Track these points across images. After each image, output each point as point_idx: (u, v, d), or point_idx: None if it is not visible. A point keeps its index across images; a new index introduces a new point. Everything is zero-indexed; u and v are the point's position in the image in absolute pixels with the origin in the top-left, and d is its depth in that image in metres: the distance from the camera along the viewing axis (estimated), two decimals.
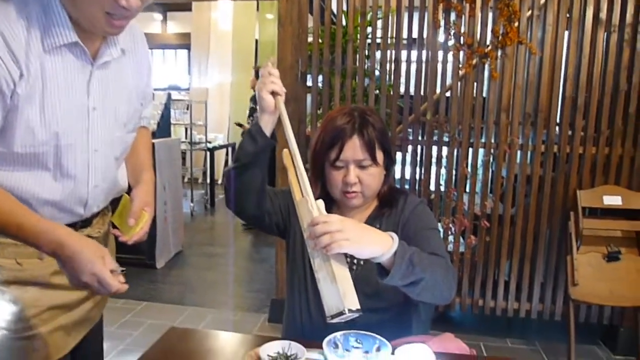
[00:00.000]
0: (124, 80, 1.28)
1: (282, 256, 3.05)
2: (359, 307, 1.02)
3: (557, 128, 2.88)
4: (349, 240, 1.03)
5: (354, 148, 1.31)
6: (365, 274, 1.32)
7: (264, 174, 1.35)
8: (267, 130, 1.29)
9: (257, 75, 5.58)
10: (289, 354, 1.12)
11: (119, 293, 1.10)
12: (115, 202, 1.43)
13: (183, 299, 3.62)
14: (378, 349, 1.10)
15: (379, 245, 1.08)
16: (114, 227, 1.38)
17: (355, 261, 1.37)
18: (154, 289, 3.74)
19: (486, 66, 2.84)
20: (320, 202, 1.12)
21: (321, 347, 1.09)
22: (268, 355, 1.10)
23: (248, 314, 3.39)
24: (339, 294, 1.02)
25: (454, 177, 2.97)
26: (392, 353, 1.10)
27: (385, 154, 1.37)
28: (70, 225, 1.22)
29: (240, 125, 6.23)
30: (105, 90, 1.22)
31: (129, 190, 1.40)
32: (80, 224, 1.28)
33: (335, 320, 1.03)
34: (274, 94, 1.26)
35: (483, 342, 3.04)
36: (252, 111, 5.98)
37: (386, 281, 1.09)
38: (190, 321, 3.23)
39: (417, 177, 3.08)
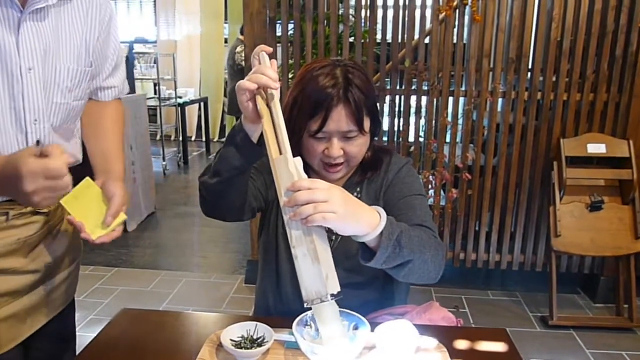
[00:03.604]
0: (67, 33, 1.06)
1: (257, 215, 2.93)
2: (339, 289, 0.90)
3: (540, 74, 2.75)
4: (336, 214, 0.87)
5: (339, 119, 1.10)
6: (345, 246, 1.18)
7: (248, 179, 1.15)
8: (255, 136, 1.03)
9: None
10: (255, 337, 1.00)
11: (68, 163, 0.91)
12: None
13: (156, 262, 3.49)
14: (355, 328, 0.99)
15: (366, 223, 0.93)
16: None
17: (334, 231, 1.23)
18: (125, 253, 3.59)
19: (467, 8, 2.66)
20: (298, 161, 0.94)
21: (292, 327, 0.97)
22: (231, 340, 0.98)
23: (224, 275, 3.28)
24: (321, 276, 0.89)
25: (434, 128, 2.84)
26: (372, 330, 0.98)
27: (372, 120, 1.17)
28: (8, 201, 1.05)
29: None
30: (43, 45, 1.00)
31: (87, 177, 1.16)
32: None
33: (313, 305, 0.91)
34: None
35: (464, 295, 3.01)
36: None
37: (370, 264, 0.95)
38: (163, 286, 3.12)
39: (396, 128, 2.95)
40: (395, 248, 0.94)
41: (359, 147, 1.16)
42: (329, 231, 0.93)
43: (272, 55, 1.01)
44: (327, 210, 0.87)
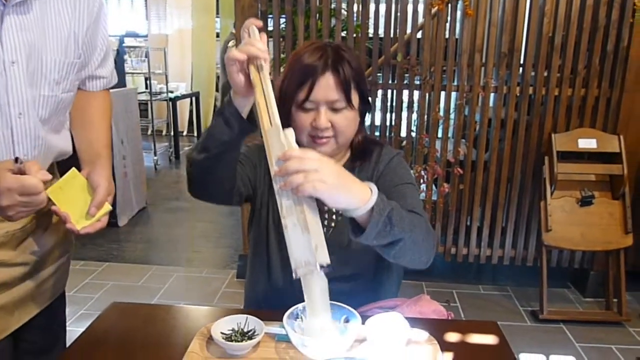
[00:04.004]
0: (54, 25, 1.04)
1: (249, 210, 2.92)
2: (329, 262, 0.89)
3: (532, 69, 2.76)
4: (325, 184, 0.86)
5: (326, 87, 1.11)
6: (337, 238, 1.18)
7: (238, 157, 1.14)
8: (245, 111, 1.02)
9: None
10: (245, 329, 0.99)
11: (45, 180, 0.93)
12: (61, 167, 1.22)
13: (148, 257, 3.48)
14: (346, 321, 0.98)
15: (357, 196, 0.91)
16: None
17: (325, 223, 1.23)
18: (116, 248, 3.57)
19: (459, 3, 2.66)
20: (290, 132, 0.93)
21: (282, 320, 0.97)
22: (222, 333, 0.97)
23: (216, 270, 3.27)
24: (311, 246, 0.88)
25: (426, 123, 2.84)
26: (362, 323, 0.98)
27: (361, 97, 1.18)
28: None
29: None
30: (27, 38, 0.99)
31: (71, 166, 1.16)
32: None
33: (302, 273, 0.90)
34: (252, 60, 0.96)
35: (455, 290, 3.02)
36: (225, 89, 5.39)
37: (360, 240, 0.94)
38: (155, 280, 3.10)
39: (388, 123, 2.95)
40: (386, 225, 0.92)
41: (347, 120, 1.15)
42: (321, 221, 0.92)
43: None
44: (317, 179, 0.86)
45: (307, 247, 0.88)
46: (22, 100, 1.01)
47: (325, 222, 1.22)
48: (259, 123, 0.96)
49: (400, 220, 0.95)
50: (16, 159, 0.92)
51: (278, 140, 0.91)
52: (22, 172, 0.92)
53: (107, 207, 1.12)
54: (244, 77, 0.96)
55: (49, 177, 0.95)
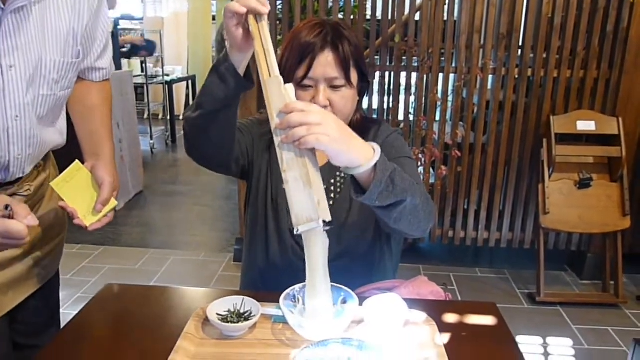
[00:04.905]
0: (53, 25, 1.02)
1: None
2: (330, 218, 0.87)
3: (531, 51, 2.73)
4: (329, 137, 0.84)
5: (325, 64, 1.10)
6: (335, 214, 1.16)
7: (235, 118, 1.11)
8: (241, 67, 0.99)
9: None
10: (242, 311, 0.98)
11: (31, 226, 0.92)
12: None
13: (144, 241, 3.47)
14: (344, 302, 0.97)
15: (360, 152, 0.89)
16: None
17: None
18: (112, 232, 3.55)
19: None
20: (290, 87, 0.90)
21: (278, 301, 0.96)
22: (218, 315, 0.96)
23: (213, 253, 3.27)
24: (313, 201, 0.85)
25: (423, 105, 2.82)
26: (360, 304, 0.97)
27: (360, 76, 1.16)
28: None
29: None
30: (25, 41, 0.97)
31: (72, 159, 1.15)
32: (3, 185, 1.08)
33: (304, 229, 0.87)
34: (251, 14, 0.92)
35: (453, 273, 3.03)
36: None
37: (362, 200, 0.92)
38: (152, 264, 3.10)
39: (385, 105, 2.93)
40: (389, 185, 0.91)
41: (345, 99, 1.14)
42: None
43: None
44: (321, 133, 0.84)
45: (309, 202, 0.86)
46: (19, 104, 1.00)
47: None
48: (259, 75, 0.93)
49: (402, 182, 0.93)
50: (6, 206, 0.91)
51: (278, 92, 0.89)
52: (10, 217, 0.91)
53: (113, 202, 1.13)
54: (244, 30, 0.94)
55: (36, 222, 0.94)
